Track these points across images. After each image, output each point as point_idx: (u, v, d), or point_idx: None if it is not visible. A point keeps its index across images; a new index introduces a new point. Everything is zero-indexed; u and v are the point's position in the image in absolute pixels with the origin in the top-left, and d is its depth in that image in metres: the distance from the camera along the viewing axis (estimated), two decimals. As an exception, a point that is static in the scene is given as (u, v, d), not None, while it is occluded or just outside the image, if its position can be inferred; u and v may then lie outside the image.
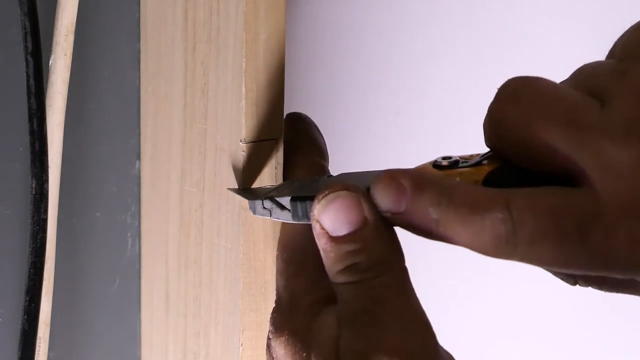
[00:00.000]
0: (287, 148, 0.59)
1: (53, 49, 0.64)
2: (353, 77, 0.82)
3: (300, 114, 0.61)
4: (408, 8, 0.84)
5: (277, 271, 0.54)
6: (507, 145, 0.48)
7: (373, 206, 0.49)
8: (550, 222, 0.45)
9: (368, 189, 0.49)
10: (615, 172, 0.45)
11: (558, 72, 0.85)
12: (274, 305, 0.55)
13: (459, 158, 0.50)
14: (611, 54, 0.50)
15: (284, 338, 0.50)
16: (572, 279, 0.53)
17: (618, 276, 0.46)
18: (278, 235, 0.59)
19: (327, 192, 0.49)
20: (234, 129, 0.58)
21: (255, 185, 0.58)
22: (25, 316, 0.62)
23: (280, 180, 0.59)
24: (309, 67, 0.79)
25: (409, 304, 0.48)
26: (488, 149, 0.50)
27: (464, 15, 0.86)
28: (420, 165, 0.51)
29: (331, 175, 0.56)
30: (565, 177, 0.47)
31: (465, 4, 0.86)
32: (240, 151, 0.58)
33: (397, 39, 0.84)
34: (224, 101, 0.59)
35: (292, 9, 0.73)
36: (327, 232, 0.49)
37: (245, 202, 0.57)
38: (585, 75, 0.49)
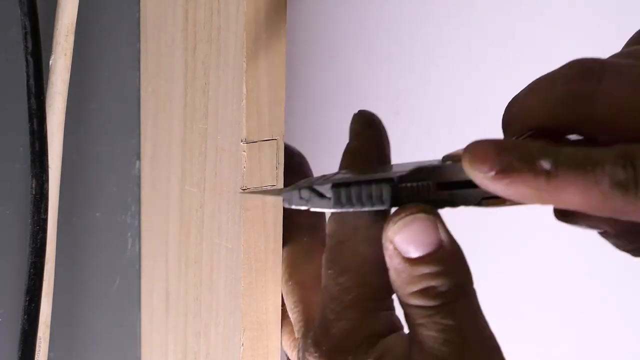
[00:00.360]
0: (347, 153, 0.56)
1: (53, 49, 0.64)
2: (353, 77, 0.82)
3: (373, 116, 0.57)
4: (408, 8, 0.84)
5: (327, 291, 0.51)
6: (592, 122, 0.47)
7: (447, 228, 0.47)
8: None
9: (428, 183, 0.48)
10: None
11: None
12: (306, 323, 0.54)
13: None
14: None
15: None
16: (638, 250, 0.52)
17: None
18: (279, 235, 0.58)
19: (402, 213, 0.48)
20: (235, 129, 0.58)
21: (256, 184, 0.58)
22: (25, 316, 0.62)
23: (281, 180, 0.59)
24: (309, 67, 0.79)
25: (484, 330, 0.47)
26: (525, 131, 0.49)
27: (464, 15, 0.86)
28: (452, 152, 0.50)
29: (367, 170, 0.52)
30: None
31: (465, 4, 0.86)
32: (241, 151, 0.58)
33: (397, 39, 0.84)
34: (225, 101, 0.59)
35: (292, 9, 0.73)
36: (400, 253, 0.48)
37: (246, 201, 0.57)
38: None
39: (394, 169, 0.51)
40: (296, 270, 0.57)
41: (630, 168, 0.44)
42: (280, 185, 0.59)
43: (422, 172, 0.49)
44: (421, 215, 0.47)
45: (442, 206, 0.49)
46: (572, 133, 0.49)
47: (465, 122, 0.85)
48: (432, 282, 0.47)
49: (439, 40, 0.86)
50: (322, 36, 0.80)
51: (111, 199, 0.71)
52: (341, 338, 0.50)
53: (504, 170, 0.46)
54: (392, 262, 0.48)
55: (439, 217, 0.48)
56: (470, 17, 0.86)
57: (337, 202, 0.50)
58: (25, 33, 0.60)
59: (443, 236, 0.48)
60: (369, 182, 0.49)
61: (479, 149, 0.46)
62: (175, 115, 0.65)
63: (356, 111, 0.58)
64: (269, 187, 0.56)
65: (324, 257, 0.52)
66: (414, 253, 0.47)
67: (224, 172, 0.60)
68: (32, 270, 0.62)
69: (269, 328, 0.59)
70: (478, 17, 0.87)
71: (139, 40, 0.70)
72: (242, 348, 0.59)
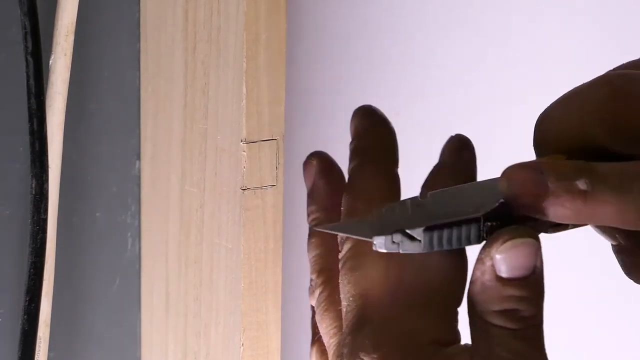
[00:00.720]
0: (362, 151, 0.55)
1: (53, 49, 0.64)
2: (353, 77, 0.82)
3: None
4: (408, 8, 0.84)
5: (392, 292, 0.51)
6: (622, 140, 0.48)
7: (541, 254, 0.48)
8: None
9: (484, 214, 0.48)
10: None
11: (558, 71, 0.85)
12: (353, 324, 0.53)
13: None
14: None
15: None
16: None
17: None
18: (279, 235, 0.58)
19: (513, 234, 0.48)
20: (235, 129, 0.58)
21: (256, 184, 0.58)
22: (25, 316, 0.62)
23: (281, 180, 0.59)
24: (309, 67, 0.79)
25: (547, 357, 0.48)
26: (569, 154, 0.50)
27: (464, 15, 0.86)
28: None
29: (421, 197, 0.52)
30: None
31: (465, 4, 0.86)
32: (241, 151, 0.58)
33: (397, 39, 0.84)
34: (225, 101, 0.59)
35: (292, 9, 0.73)
36: (495, 271, 0.48)
37: (246, 201, 0.57)
38: None
39: (466, 199, 0.51)
40: (328, 260, 0.56)
41: None
42: (281, 185, 0.59)
43: (505, 207, 0.49)
44: (531, 241, 0.47)
45: None
46: (608, 152, 0.49)
47: (465, 122, 0.85)
48: (518, 306, 0.47)
49: (439, 40, 0.86)
50: (322, 36, 0.80)
51: (111, 199, 0.71)
52: (404, 340, 0.49)
53: (543, 196, 0.47)
54: (484, 277, 0.48)
55: (540, 244, 0.48)
56: (470, 17, 0.86)
57: (429, 246, 0.50)
58: (25, 33, 0.60)
59: (539, 263, 0.48)
60: (458, 224, 0.49)
61: (517, 175, 0.47)
62: (175, 115, 0.65)
63: (361, 106, 0.57)
64: (356, 226, 0.54)
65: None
66: (509, 274, 0.48)
67: (224, 172, 0.60)
68: (32, 270, 0.62)
69: (269, 328, 0.59)
70: (478, 17, 0.87)
71: (139, 40, 0.70)
72: (242, 348, 0.59)
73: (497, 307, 0.48)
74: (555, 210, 0.47)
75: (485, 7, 0.87)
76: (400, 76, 0.85)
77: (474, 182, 0.53)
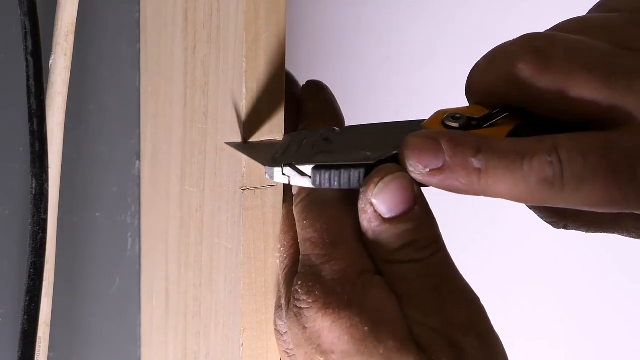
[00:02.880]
0: (307, 114, 0.58)
1: (53, 49, 0.64)
2: (353, 77, 0.82)
3: (321, 82, 0.60)
4: (408, 8, 0.84)
5: (305, 239, 0.52)
6: (532, 102, 0.48)
7: (418, 183, 0.49)
8: (601, 161, 0.46)
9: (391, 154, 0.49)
10: None
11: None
12: (284, 275, 0.53)
13: (466, 115, 0.51)
14: (608, 8, 0.51)
15: (331, 310, 0.48)
16: (563, 223, 0.54)
17: None
18: (279, 234, 0.58)
19: (380, 173, 0.49)
20: (235, 129, 0.58)
21: (255, 184, 0.58)
22: (25, 316, 0.62)
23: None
24: (309, 67, 0.79)
25: (462, 280, 0.49)
26: (493, 108, 0.50)
27: (464, 15, 0.86)
28: (427, 120, 0.51)
29: (335, 129, 0.54)
30: (592, 122, 0.47)
31: (465, 4, 0.86)
32: (241, 151, 0.58)
33: (398, 38, 0.84)
34: (224, 101, 0.59)
35: (292, 9, 0.73)
36: (379, 215, 0.48)
37: (246, 201, 0.57)
38: (600, 30, 0.50)
39: (369, 145, 0.52)
40: (285, 234, 0.57)
41: (557, 164, 0.46)
42: (280, 185, 0.59)
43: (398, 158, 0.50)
44: (400, 174, 0.49)
45: None
46: (530, 111, 0.50)
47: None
48: (414, 237, 0.48)
49: (439, 40, 0.86)
50: (322, 36, 0.80)
51: (111, 199, 0.71)
52: (334, 279, 0.50)
53: (438, 168, 0.48)
54: (371, 225, 0.49)
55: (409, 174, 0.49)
56: (470, 17, 0.86)
57: (316, 182, 0.52)
58: (25, 33, 0.60)
59: (417, 191, 0.49)
60: (347, 167, 0.51)
61: (416, 146, 0.48)
62: (175, 115, 0.65)
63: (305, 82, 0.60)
64: (261, 150, 0.56)
65: (295, 209, 0.54)
66: (392, 213, 0.49)
67: (223, 172, 0.60)
68: (32, 270, 0.62)
69: (269, 328, 0.59)
70: (478, 17, 0.87)
71: (139, 40, 0.70)
72: (242, 348, 0.59)
73: (397, 245, 0.49)
74: (450, 184, 0.48)
75: (485, 7, 0.87)
76: (400, 76, 0.85)
77: (384, 124, 0.54)
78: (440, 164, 0.48)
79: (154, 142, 0.69)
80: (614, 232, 0.53)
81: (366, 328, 0.47)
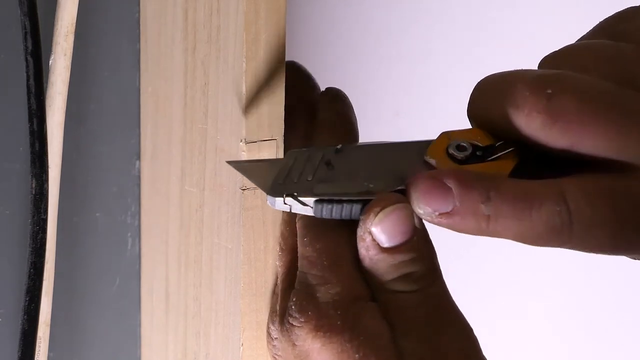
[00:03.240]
0: (320, 125, 0.58)
1: (53, 49, 0.64)
2: (353, 77, 0.82)
3: (340, 92, 0.59)
4: (408, 8, 0.84)
5: (303, 256, 0.52)
6: (542, 147, 0.48)
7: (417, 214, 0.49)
8: (609, 209, 0.45)
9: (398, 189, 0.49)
10: None
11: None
12: (279, 289, 0.54)
13: (471, 145, 0.50)
14: (616, 34, 0.50)
15: (322, 333, 0.48)
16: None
17: None
18: (279, 235, 0.58)
19: (380, 203, 0.49)
20: (234, 129, 0.58)
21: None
22: (25, 316, 0.62)
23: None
24: (309, 67, 0.79)
25: (457, 311, 0.49)
26: (496, 138, 0.50)
27: (463, 15, 0.86)
28: (431, 145, 0.51)
29: (338, 149, 0.54)
30: (595, 161, 0.47)
31: (465, 4, 0.86)
32: (241, 151, 0.58)
33: (397, 39, 0.84)
34: (224, 101, 0.59)
35: (292, 9, 0.73)
36: (377, 244, 0.49)
37: (246, 201, 0.57)
38: (609, 64, 0.49)
39: (372, 173, 0.52)
40: (285, 239, 0.57)
41: (566, 213, 0.46)
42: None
43: (403, 191, 0.50)
44: (401, 205, 0.49)
45: None
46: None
47: (465, 122, 0.85)
48: (411, 269, 0.48)
49: (439, 40, 0.86)
50: (322, 36, 0.80)
51: (111, 199, 0.71)
52: (328, 302, 0.50)
53: (447, 212, 0.48)
54: (369, 253, 0.49)
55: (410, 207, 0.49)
56: (470, 17, 0.86)
57: (317, 213, 0.52)
58: (25, 33, 0.60)
59: (417, 223, 0.49)
60: (350, 202, 0.51)
61: (425, 189, 0.48)
62: (175, 115, 0.65)
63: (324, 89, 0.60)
64: (261, 171, 0.56)
65: (298, 224, 0.54)
66: (390, 242, 0.49)
67: (223, 172, 0.60)
68: (32, 270, 0.62)
69: (269, 328, 0.59)
70: (478, 17, 0.87)
71: (139, 40, 0.70)
72: (242, 348, 0.59)
73: (394, 276, 0.49)
74: (458, 228, 0.48)
75: (485, 7, 0.87)
76: (400, 76, 0.85)
77: (386, 144, 0.54)
78: (449, 209, 0.47)
79: (154, 142, 0.69)
80: None
81: (357, 355, 0.48)
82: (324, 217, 0.52)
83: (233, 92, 0.58)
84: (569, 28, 0.88)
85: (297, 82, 0.59)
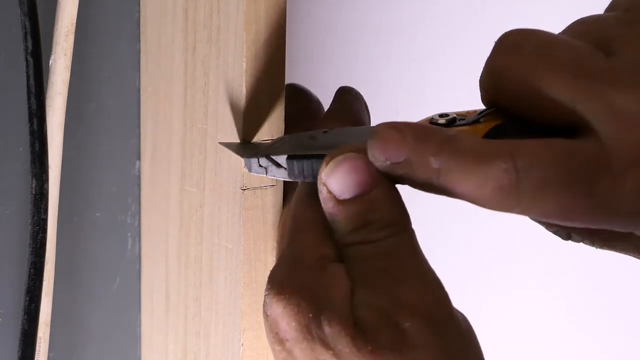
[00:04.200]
0: (326, 115, 0.58)
1: (53, 49, 0.64)
2: (353, 77, 0.82)
3: (347, 87, 0.59)
4: (408, 8, 0.84)
5: (279, 235, 0.53)
6: (508, 99, 0.47)
7: (379, 173, 0.48)
8: (557, 171, 0.44)
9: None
10: (624, 121, 0.44)
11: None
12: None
13: (455, 115, 0.50)
14: (612, 8, 0.49)
15: (284, 295, 0.48)
16: (566, 233, 0.52)
17: (620, 229, 0.45)
18: (277, 238, 0.59)
19: (334, 154, 0.48)
20: (234, 129, 0.58)
21: (255, 184, 0.58)
22: (25, 316, 0.62)
23: (281, 180, 0.59)
24: (309, 67, 0.79)
25: (423, 264, 0.47)
26: (485, 107, 0.49)
27: (463, 15, 0.86)
28: (417, 122, 0.51)
29: (327, 131, 0.54)
30: (569, 129, 0.46)
31: (465, 4, 0.86)
32: (241, 151, 0.58)
33: (397, 39, 0.84)
34: (224, 101, 0.59)
35: (292, 9, 0.73)
36: (334, 196, 0.48)
37: (246, 201, 0.57)
38: (588, 27, 0.48)
39: (348, 138, 0.52)
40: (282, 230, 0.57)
41: (513, 172, 0.44)
42: (280, 185, 0.59)
43: None
44: (353, 155, 0.48)
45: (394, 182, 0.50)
46: (512, 111, 0.48)
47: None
48: (369, 218, 0.47)
49: (439, 41, 0.86)
50: (322, 36, 0.80)
51: (111, 199, 0.71)
52: (289, 266, 0.49)
53: (399, 162, 0.47)
54: (327, 206, 0.48)
55: (368, 159, 0.48)
56: (470, 17, 0.86)
57: (291, 174, 0.52)
58: (25, 33, 0.60)
59: (376, 175, 0.48)
60: (318, 157, 0.50)
61: (382, 136, 0.47)
62: (175, 115, 0.65)
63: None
64: (235, 145, 0.57)
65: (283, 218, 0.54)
66: (347, 194, 0.48)
67: (223, 172, 0.60)
68: (32, 270, 0.62)
69: (269, 328, 0.59)
70: (478, 17, 0.87)
71: (139, 40, 0.70)
72: (242, 348, 0.59)
73: (351, 227, 0.48)
74: (410, 178, 0.47)
75: (485, 7, 0.87)
76: (400, 75, 0.85)
77: (367, 126, 0.54)
78: (402, 159, 0.47)
79: (154, 142, 0.69)
80: (625, 252, 0.51)
81: (310, 314, 0.47)
82: (297, 177, 0.51)
83: (233, 92, 0.58)
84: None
85: (296, 97, 0.59)
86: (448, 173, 0.46)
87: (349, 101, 0.58)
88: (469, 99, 0.86)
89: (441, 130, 0.47)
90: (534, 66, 0.46)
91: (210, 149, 0.61)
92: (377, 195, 0.48)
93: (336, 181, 0.48)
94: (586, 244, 0.52)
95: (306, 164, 0.51)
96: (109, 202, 0.71)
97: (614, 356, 1.02)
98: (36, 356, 0.64)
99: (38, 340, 0.64)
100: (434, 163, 0.46)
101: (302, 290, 0.47)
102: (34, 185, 0.61)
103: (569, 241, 0.53)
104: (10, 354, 0.68)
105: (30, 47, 0.60)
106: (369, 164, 0.48)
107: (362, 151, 0.48)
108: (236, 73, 0.57)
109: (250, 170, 0.54)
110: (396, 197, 0.48)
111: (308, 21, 0.79)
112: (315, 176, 0.50)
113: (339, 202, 0.48)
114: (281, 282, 0.48)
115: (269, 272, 0.59)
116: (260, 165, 0.53)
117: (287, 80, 0.59)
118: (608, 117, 0.44)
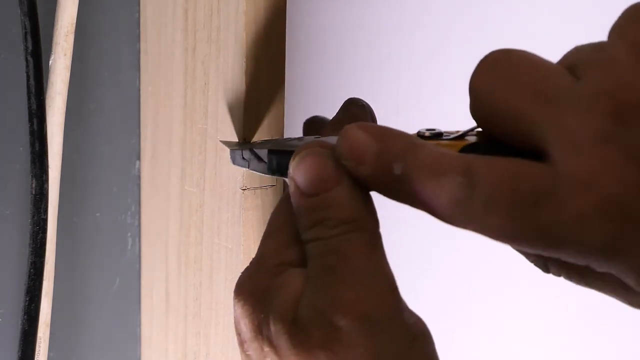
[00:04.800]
0: (330, 123, 0.58)
1: (53, 49, 0.64)
2: (353, 77, 0.82)
3: (354, 98, 0.59)
4: (407, 8, 0.84)
5: (261, 240, 0.53)
6: (483, 120, 0.47)
7: (344, 171, 0.48)
8: (505, 190, 0.44)
9: None
10: (574, 146, 0.43)
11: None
12: None
13: (443, 131, 0.50)
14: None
15: (242, 297, 0.48)
16: (544, 265, 0.52)
17: (571, 260, 0.44)
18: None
19: (301, 148, 0.48)
20: (234, 129, 0.58)
21: (255, 184, 0.58)
22: (25, 316, 0.62)
23: (281, 180, 0.59)
24: (309, 67, 0.79)
25: (373, 263, 0.47)
26: (475, 125, 0.49)
27: (463, 15, 0.86)
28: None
29: (319, 137, 0.54)
30: (534, 152, 0.45)
31: (465, 4, 0.86)
32: (241, 151, 0.58)
33: (397, 39, 0.84)
34: (224, 101, 0.59)
35: (292, 9, 0.73)
36: (300, 190, 0.48)
37: (246, 201, 0.57)
38: (574, 50, 0.48)
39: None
40: None
41: (467, 187, 0.44)
42: (280, 185, 0.59)
43: None
44: (317, 150, 0.48)
45: None
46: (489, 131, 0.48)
47: (465, 122, 0.85)
48: (324, 215, 0.47)
49: (439, 41, 0.86)
50: (322, 36, 0.80)
51: (111, 199, 0.71)
52: (251, 270, 0.50)
53: (364, 164, 0.47)
54: (293, 200, 0.49)
55: (334, 157, 0.48)
56: (470, 17, 0.86)
57: (270, 168, 0.52)
58: (25, 33, 0.60)
59: (340, 172, 0.47)
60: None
61: (351, 136, 0.47)
62: (175, 115, 0.65)
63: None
64: (232, 142, 0.57)
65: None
66: (310, 189, 0.48)
67: (223, 172, 0.60)
68: (32, 270, 0.62)
69: (269, 328, 0.59)
70: (478, 17, 0.87)
71: (139, 40, 0.70)
72: (242, 348, 0.59)
73: (309, 222, 0.48)
74: (374, 184, 0.47)
75: (485, 7, 0.87)
76: (400, 76, 0.85)
77: None
78: (365, 161, 0.47)
79: (154, 142, 0.69)
80: (604, 293, 0.50)
81: (262, 315, 0.47)
82: (275, 172, 0.51)
83: (233, 92, 0.58)
84: (570, 28, 0.88)
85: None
86: (407, 182, 0.45)
87: (354, 112, 0.58)
88: (468, 99, 0.86)
89: (409, 137, 0.47)
90: (502, 87, 0.46)
91: (210, 149, 0.61)
92: (336, 193, 0.48)
93: (301, 175, 0.48)
94: (565, 278, 0.52)
95: (284, 159, 0.51)
96: (109, 202, 0.71)
97: (613, 356, 1.02)
98: (36, 356, 0.64)
99: (38, 340, 0.64)
100: (396, 169, 0.46)
101: (256, 292, 0.48)
102: (34, 185, 0.61)
103: (549, 274, 0.52)
104: (10, 354, 0.68)
105: (30, 47, 0.60)
106: (330, 159, 0.48)
107: (330, 148, 0.48)
108: (236, 73, 0.57)
109: (233, 162, 0.55)
110: (358, 196, 0.48)
111: (308, 21, 0.79)
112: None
113: (302, 195, 0.48)
114: (241, 285, 0.49)
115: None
116: (243, 158, 0.54)
117: (287, 81, 0.59)
118: (559, 141, 0.43)
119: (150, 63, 0.69)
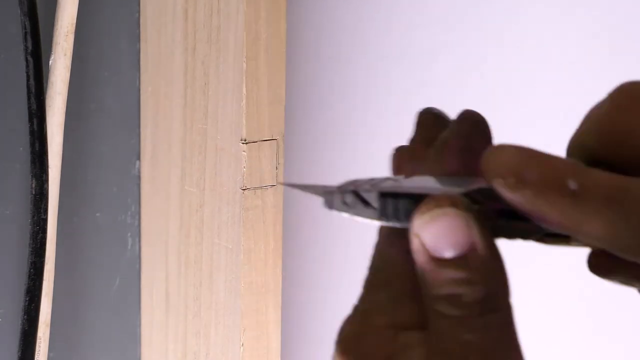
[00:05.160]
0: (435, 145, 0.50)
1: (53, 49, 0.64)
2: (353, 78, 0.82)
3: (473, 113, 0.50)
4: (408, 8, 0.84)
5: (362, 289, 0.46)
6: (621, 153, 0.42)
7: (484, 230, 0.42)
8: None
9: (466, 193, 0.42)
10: None
11: (558, 72, 0.85)
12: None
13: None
14: None
15: (347, 358, 0.43)
16: None
17: None
18: (279, 235, 0.59)
19: (431, 204, 0.42)
20: (234, 129, 0.58)
21: (256, 184, 0.58)
22: (25, 316, 0.62)
23: (281, 180, 0.59)
24: (310, 67, 0.79)
25: (514, 346, 0.42)
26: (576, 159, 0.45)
27: (464, 15, 0.86)
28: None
29: (430, 176, 0.46)
30: None
31: (465, 4, 0.86)
32: (241, 151, 0.58)
33: (397, 39, 0.84)
34: (224, 101, 0.59)
35: (292, 9, 0.73)
36: (427, 249, 0.42)
37: (246, 201, 0.57)
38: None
39: (456, 182, 0.45)
40: None
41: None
42: (280, 185, 0.59)
43: (484, 193, 0.43)
44: (451, 211, 0.42)
45: (498, 235, 0.44)
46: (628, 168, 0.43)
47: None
48: (458, 290, 0.42)
49: (440, 41, 0.86)
50: (322, 36, 0.80)
51: (111, 199, 0.71)
52: (360, 324, 0.44)
53: (526, 180, 0.41)
54: (418, 258, 0.42)
55: (473, 216, 0.42)
56: (470, 17, 0.86)
57: (383, 214, 0.44)
58: (25, 33, 0.60)
59: (477, 239, 0.42)
60: (419, 197, 0.43)
61: (503, 153, 0.42)
62: (175, 115, 0.65)
63: (462, 110, 0.52)
64: (313, 184, 0.51)
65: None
66: (441, 253, 0.42)
67: (223, 172, 0.60)
68: (32, 270, 0.62)
69: (269, 328, 0.59)
70: (479, 17, 0.87)
71: (139, 40, 0.70)
72: (242, 348, 0.59)
73: (437, 292, 0.42)
74: (539, 205, 0.41)
75: (485, 7, 0.87)
76: (401, 76, 0.85)
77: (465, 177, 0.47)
78: (534, 176, 0.41)
79: (154, 142, 0.69)
80: None
81: None
82: (389, 220, 0.44)
83: (233, 92, 0.58)
84: (570, 28, 0.88)
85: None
86: (586, 198, 0.41)
87: (464, 133, 0.48)
88: (468, 100, 0.87)
89: (570, 164, 0.42)
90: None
91: (210, 149, 0.61)
92: (474, 262, 0.42)
93: (431, 236, 0.42)
94: None
95: (402, 203, 0.44)
96: (109, 202, 0.71)
97: (614, 356, 1.02)
98: (36, 356, 0.64)
99: (38, 340, 0.64)
100: (571, 184, 0.40)
101: (366, 357, 0.43)
102: (34, 185, 0.62)
103: None
104: (10, 354, 0.68)
105: (30, 47, 0.60)
106: (469, 223, 0.42)
107: (463, 206, 0.42)
108: (236, 73, 0.57)
109: (331, 207, 0.45)
110: (496, 268, 0.43)
111: (308, 21, 0.79)
112: (409, 216, 0.44)
113: (433, 258, 0.42)
114: (347, 341, 0.44)
115: (269, 272, 0.59)
116: (344, 203, 0.45)
117: (287, 81, 0.59)
118: None
119: (150, 63, 0.69)
